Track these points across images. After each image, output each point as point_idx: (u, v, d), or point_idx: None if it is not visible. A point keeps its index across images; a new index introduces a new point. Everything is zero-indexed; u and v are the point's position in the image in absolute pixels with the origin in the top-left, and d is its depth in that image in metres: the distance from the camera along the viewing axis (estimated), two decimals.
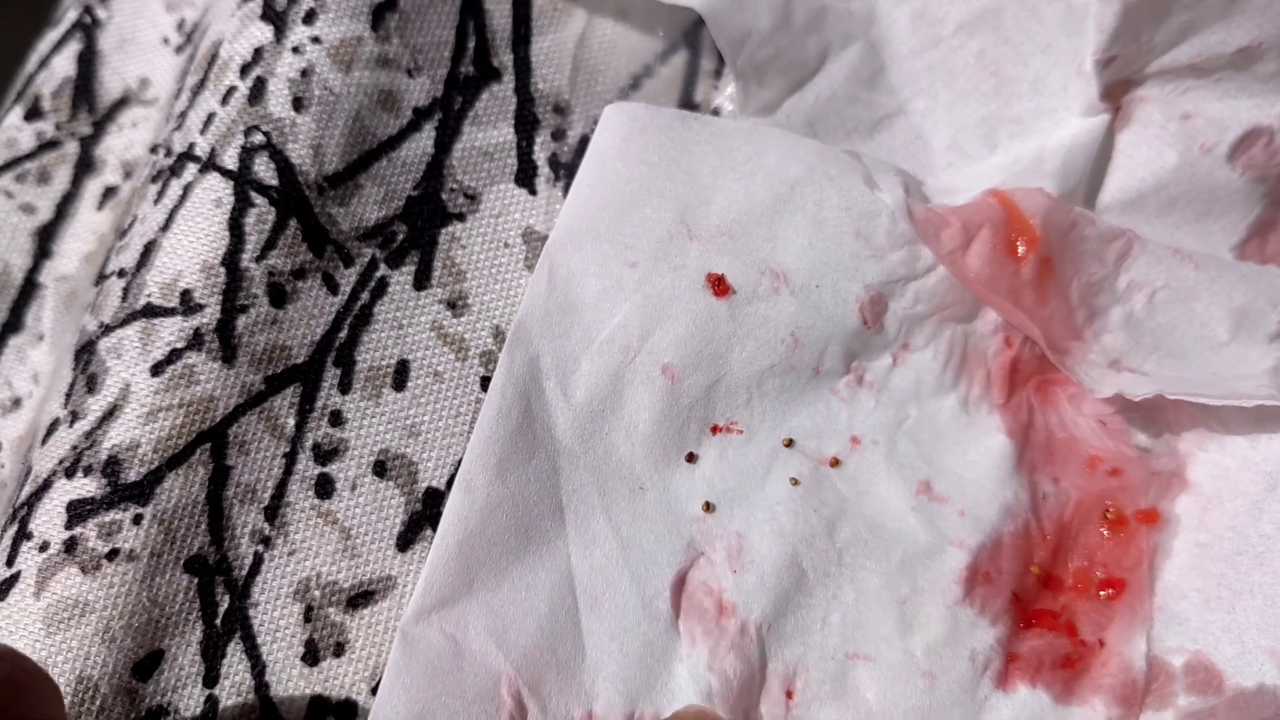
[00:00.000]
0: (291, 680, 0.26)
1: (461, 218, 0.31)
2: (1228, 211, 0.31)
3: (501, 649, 0.25)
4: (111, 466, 0.26)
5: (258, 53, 0.30)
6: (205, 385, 0.27)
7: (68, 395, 0.28)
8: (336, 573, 0.27)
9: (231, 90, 0.30)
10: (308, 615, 0.26)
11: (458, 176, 0.31)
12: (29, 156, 0.35)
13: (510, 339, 0.28)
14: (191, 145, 0.29)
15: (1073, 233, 0.29)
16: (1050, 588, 0.28)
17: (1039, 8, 0.32)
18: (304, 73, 0.29)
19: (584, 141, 0.32)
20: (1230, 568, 0.27)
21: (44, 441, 0.27)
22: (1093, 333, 0.30)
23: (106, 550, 0.25)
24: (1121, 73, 0.31)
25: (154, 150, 0.32)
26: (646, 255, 0.29)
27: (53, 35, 0.37)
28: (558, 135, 0.32)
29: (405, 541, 0.27)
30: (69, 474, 0.26)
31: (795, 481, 0.28)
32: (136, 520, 0.25)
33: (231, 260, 0.28)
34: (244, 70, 0.30)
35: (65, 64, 0.36)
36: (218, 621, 0.25)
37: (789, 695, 0.26)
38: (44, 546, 0.25)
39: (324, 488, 0.27)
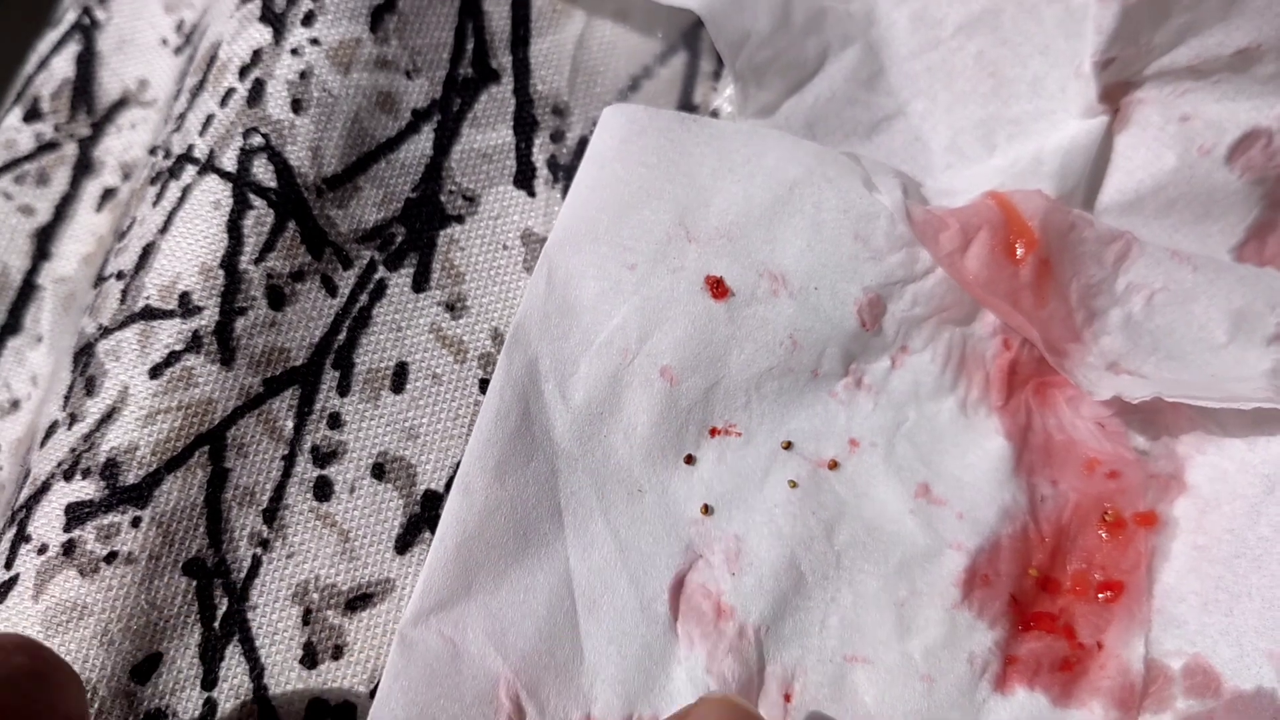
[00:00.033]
0: (290, 683, 0.26)
1: (460, 220, 0.31)
2: (1226, 213, 0.31)
3: (500, 652, 0.25)
4: (110, 469, 0.26)
5: (256, 54, 0.30)
6: (204, 388, 0.27)
7: (66, 398, 0.28)
8: (335, 575, 0.27)
9: (230, 92, 0.30)
10: (306, 618, 0.26)
11: (456, 178, 0.31)
12: (28, 158, 0.35)
13: (509, 341, 0.28)
14: (190, 147, 0.29)
15: (1071, 235, 0.29)
16: (1048, 590, 0.28)
17: (1038, 9, 0.32)
18: (303, 75, 0.29)
19: (583, 143, 0.32)
20: (1228, 570, 0.27)
21: (42, 444, 0.27)
22: (1091, 335, 0.30)
23: (105, 553, 0.25)
24: (1120, 74, 0.31)
25: (153, 152, 0.32)
26: (645, 257, 0.29)
27: (52, 36, 0.37)
28: (556, 137, 0.32)
29: (404, 544, 0.27)
30: (67, 476, 0.26)
31: (794, 484, 0.28)
32: (135, 523, 0.25)
33: (230, 262, 0.28)
34: (243, 72, 0.30)
35: (64, 65, 0.36)
36: (216, 624, 0.25)
37: (787, 698, 0.26)
38: (42, 549, 0.25)
39: (322, 490, 0.27)
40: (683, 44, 0.34)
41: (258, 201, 0.28)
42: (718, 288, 0.29)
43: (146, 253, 0.28)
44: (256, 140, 0.29)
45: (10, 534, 0.26)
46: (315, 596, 0.26)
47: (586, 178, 0.30)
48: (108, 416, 0.26)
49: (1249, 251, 0.32)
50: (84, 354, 0.28)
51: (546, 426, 0.28)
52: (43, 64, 0.36)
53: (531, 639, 0.26)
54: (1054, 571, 0.28)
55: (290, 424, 0.27)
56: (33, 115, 0.36)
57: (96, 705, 0.24)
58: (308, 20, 0.30)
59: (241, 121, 0.29)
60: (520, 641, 0.25)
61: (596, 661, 0.26)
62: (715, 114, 0.33)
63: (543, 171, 0.32)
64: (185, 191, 0.29)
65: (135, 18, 0.37)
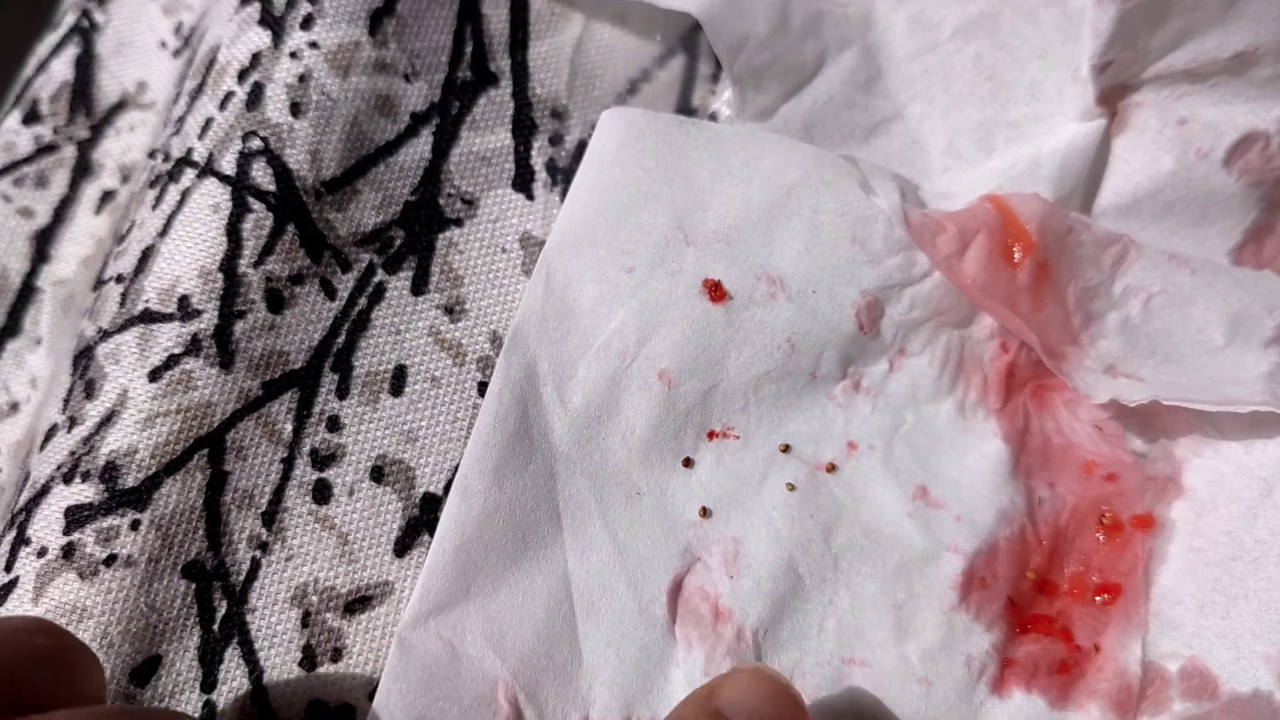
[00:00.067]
0: (289, 685, 0.26)
1: (459, 223, 0.31)
2: (1224, 216, 0.31)
3: (498, 654, 0.25)
4: (109, 472, 0.26)
5: (255, 58, 0.30)
6: (203, 391, 0.27)
7: (66, 401, 0.28)
8: (334, 578, 0.27)
9: (229, 95, 0.30)
10: (305, 620, 0.26)
11: (455, 182, 0.31)
12: (27, 160, 0.35)
13: (507, 344, 0.28)
14: (189, 150, 0.29)
15: (1069, 238, 0.29)
16: (1046, 593, 0.28)
17: (1036, 13, 0.32)
18: (301, 78, 0.29)
19: (581, 146, 0.32)
20: (1225, 573, 0.27)
21: (42, 447, 0.27)
22: (1089, 338, 0.30)
23: (104, 556, 0.25)
24: (1117, 78, 0.31)
25: (152, 155, 0.32)
26: (643, 260, 0.29)
27: (51, 39, 0.37)
28: (555, 140, 0.32)
29: (403, 547, 0.27)
30: (67, 479, 0.26)
31: (792, 487, 0.28)
32: (134, 526, 0.25)
33: (229, 266, 0.28)
34: (242, 75, 0.30)
35: (63, 68, 0.36)
36: (215, 627, 0.26)
37: None
38: (42, 552, 0.25)
39: (321, 493, 0.27)
40: (681, 47, 0.34)
41: (257, 205, 0.28)
42: (716, 291, 0.29)
43: (146, 256, 0.28)
44: (255, 144, 0.29)
45: (10, 537, 0.26)
46: (314, 599, 0.26)
47: (585, 181, 0.30)
48: (107, 419, 0.26)
49: (1246, 254, 0.32)
50: (83, 357, 0.28)
51: (545, 429, 0.28)
52: (42, 66, 0.36)
53: (530, 641, 0.26)
54: (1051, 574, 0.28)
55: (289, 427, 0.27)
56: (32, 118, 0.36)
57: None
58: (306, 24, 0.30)
59: (240, 125, 0.29)
60: (519, 644, 0.26)
61: (595, 664, 0.26)
62: (713, 117, 0.33)
63: (541, 175, 0.32)
64: (184, 195, 0.29)
65: (134, 20, 0.37)
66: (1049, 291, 0.29)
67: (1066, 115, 0.32)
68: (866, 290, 0.30)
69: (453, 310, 0.30)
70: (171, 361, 0.27)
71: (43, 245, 0.35)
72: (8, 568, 0.25)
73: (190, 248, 0.28)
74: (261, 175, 0.29)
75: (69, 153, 0.35)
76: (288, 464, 0.27)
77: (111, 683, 0.24)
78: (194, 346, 0.27)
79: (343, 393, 0.28)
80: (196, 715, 0.25)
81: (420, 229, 0.30)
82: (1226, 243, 0.31)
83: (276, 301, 0.28)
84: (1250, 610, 0.26)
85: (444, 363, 0.29)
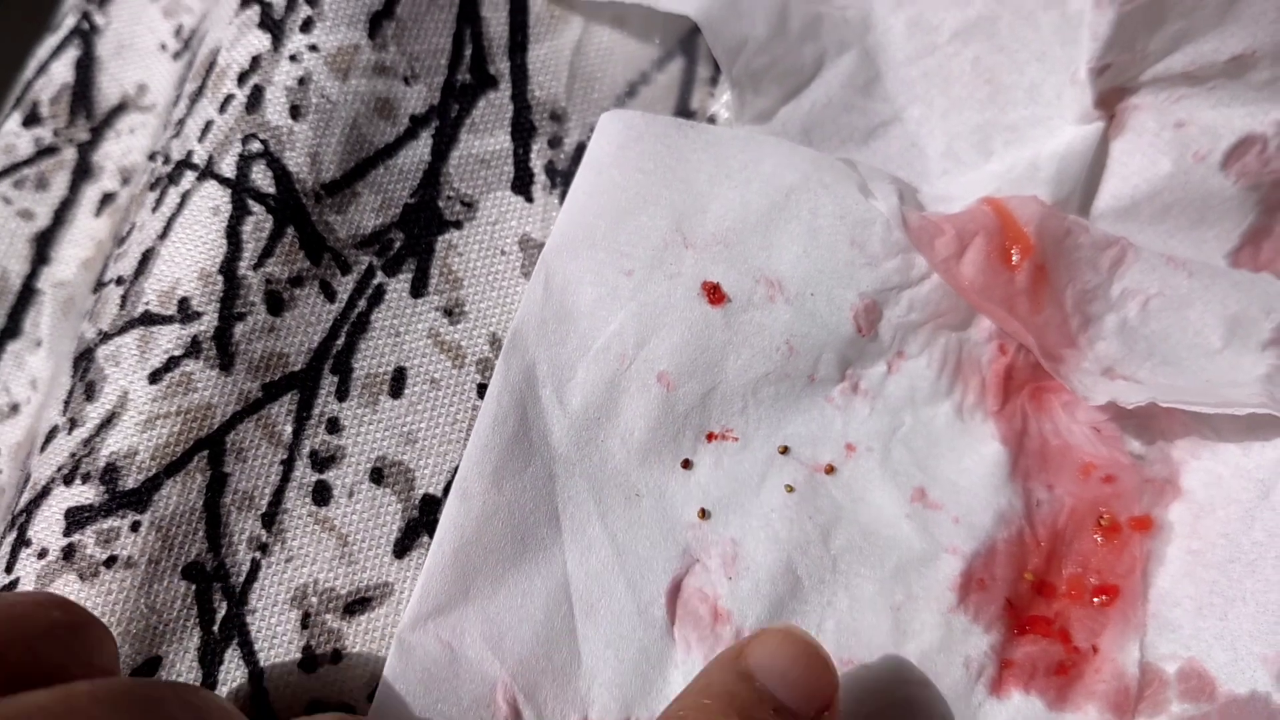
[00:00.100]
0: (288, 686, 0.26)
1: (458, 225, 0.31)
2: (1221, 219, 0.31)
3: (497, 656, 0.25)
4: (110, 474, 0.26)
5: (255, 61, 0.30)
6: (203, 393, 0.27)
7: (66, 402, 0.28)
8: (333, 579, 0.27)
9: (229, 98, 0.30)
10: (305, 622, 0.26)
11: (454, 184, 0.31)
12: (27, 163, 0.36)
13: (506, 346, 0.28)
14: (189, 153, 0.29)
15: (1067, 240, 0.30)
16: (1044, 594, 0.28)
17: (1034, 15, 0.32)
18: (301, 81, 0.30)
19: (580, 149, 0.32)
20: (1223, 575, 0.27)
21: (42, 448, 0.27)
22: (1087, 340, 0.30)
23: (104, 557, 0.25)
24: (1116, 81, 0.31)
25: (152, 157, 0.33)
26: (642, 263, 0.29)
27: (51, 41, 0.37)
28: (554, 143, 0.32)
29: (402, 548, 0.27)
30: (67, 481, 0.26)
31: (790, 489, 0.28)
32: (134, 527, 0.25)
33: (229, 268, 0.28)
34: (241, 78, 0.30)
35: (63, 70, 0.36)
36: (215, 628, 0.26)
37: None
38: (42, 553, 0.25)
39: (321, 495, 0.27)
40: (680, 50, 0.34)
41: (256, 207, 0.28)
42: (714, 293, 0.29)
43: (146, 258, 0.28)
44: (255, 146, 0.29)
45: (10, 538, 0.26)
46: (314, 600, 0.26)
47: (584, 183, 0.30)
48: (107, 421, 0.26)
49: (1244, 257, 0.32)
50: (84, 359, 0.28)
51: (544, 431, 0.28)
52: (42, 69, 0.36)
53: (529, 643, 0.26)
54: (1049, 576, 0.28)
55: (289, 429, 0.27)
56: (32, 120, 0.36)
57: None
58: (306, 26, 0.30)
59: (240, 127, 0.29)
60: (518, 645, 0.26)
61: (594, 665, 0.26)
62: (712, 120, 0.33)
63: (540, 177, 0.32)
64: (184, 197, 0.29)
65: (134, 23, 0.37)
66: (1047, 294, 0.29)
67: (1065, 118, 0.32)
68: (865, 293, 0.30)
69: (452, 312, 0.30)
70: (172, 363, 0.27)
71: (43, 247, 0.35)
72: (8, 569, 0.25)
73: (190, 250, 0.28)
74: (261, 178, 0.29)
75: (69, 155, 0.36)
76: (287, 465, 0.27)
77: None
78: (194, 348, 0.27)
79: (342, 395, 0.28)
80: None
81: (420, 231, 0.30)
82: (1224, 245, 0.32)
83: (276, 304, 0.28)
84: (1248, 612, 0.26)
85: (443, 365, 0.29)
